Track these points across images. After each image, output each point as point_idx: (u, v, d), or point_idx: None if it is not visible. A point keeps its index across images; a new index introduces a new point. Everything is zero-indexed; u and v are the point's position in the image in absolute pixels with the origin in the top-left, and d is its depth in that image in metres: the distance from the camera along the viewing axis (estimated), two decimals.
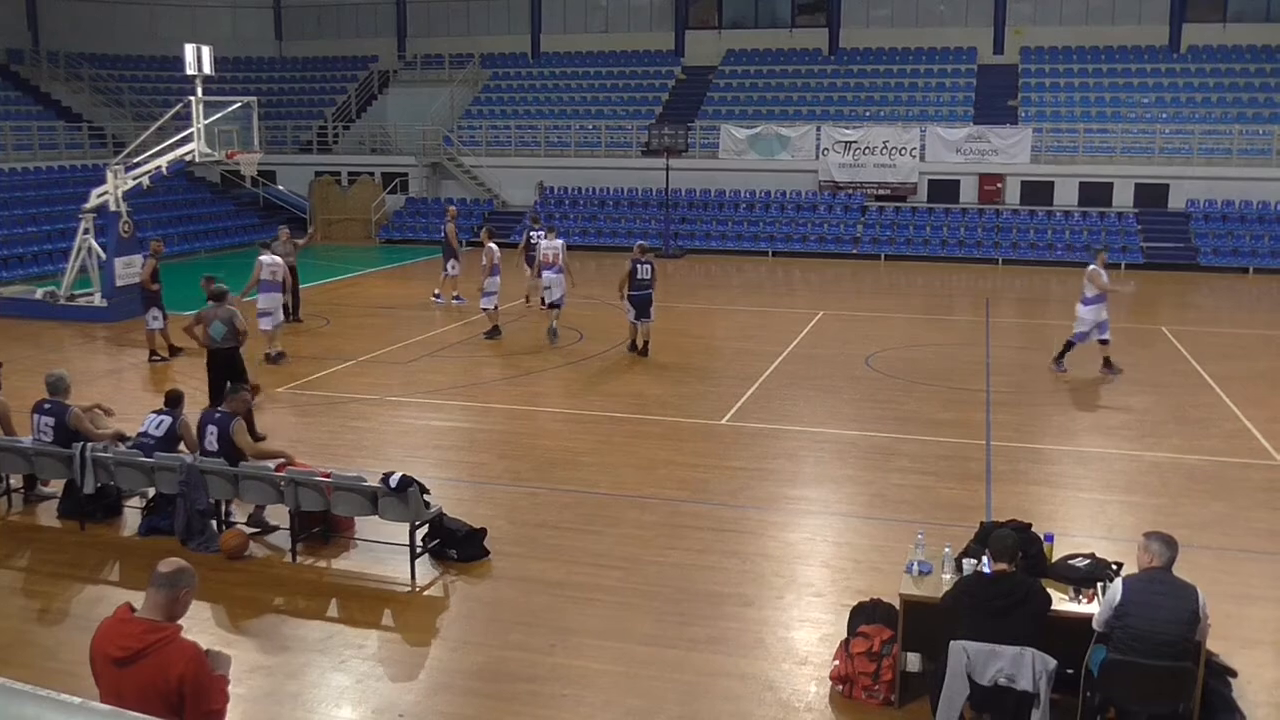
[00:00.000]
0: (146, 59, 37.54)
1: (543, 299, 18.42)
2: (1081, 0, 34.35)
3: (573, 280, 18.59)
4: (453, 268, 21.24)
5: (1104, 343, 15.44)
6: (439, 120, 35.18)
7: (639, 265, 16.42)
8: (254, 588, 8.55)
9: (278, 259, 16.35)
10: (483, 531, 9.18)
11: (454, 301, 21.21)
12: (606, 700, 6.82)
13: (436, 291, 21.62)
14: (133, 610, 4.50)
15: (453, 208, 23.99)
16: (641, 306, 16.46)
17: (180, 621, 4.55)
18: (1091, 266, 15.41)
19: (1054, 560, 6.93)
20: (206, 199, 33.20)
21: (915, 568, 6.92)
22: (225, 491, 9.41)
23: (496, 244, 18.57)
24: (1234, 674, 6.69)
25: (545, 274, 18.05)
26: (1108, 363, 15.47)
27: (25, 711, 2.28)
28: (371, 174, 34.53)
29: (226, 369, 12.52)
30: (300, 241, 20.45)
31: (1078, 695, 6.30)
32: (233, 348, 12.66)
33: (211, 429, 9.48)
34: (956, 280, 26.09)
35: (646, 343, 16.66)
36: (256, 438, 10.82)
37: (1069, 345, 15.54)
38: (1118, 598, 6.00)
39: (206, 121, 19.92)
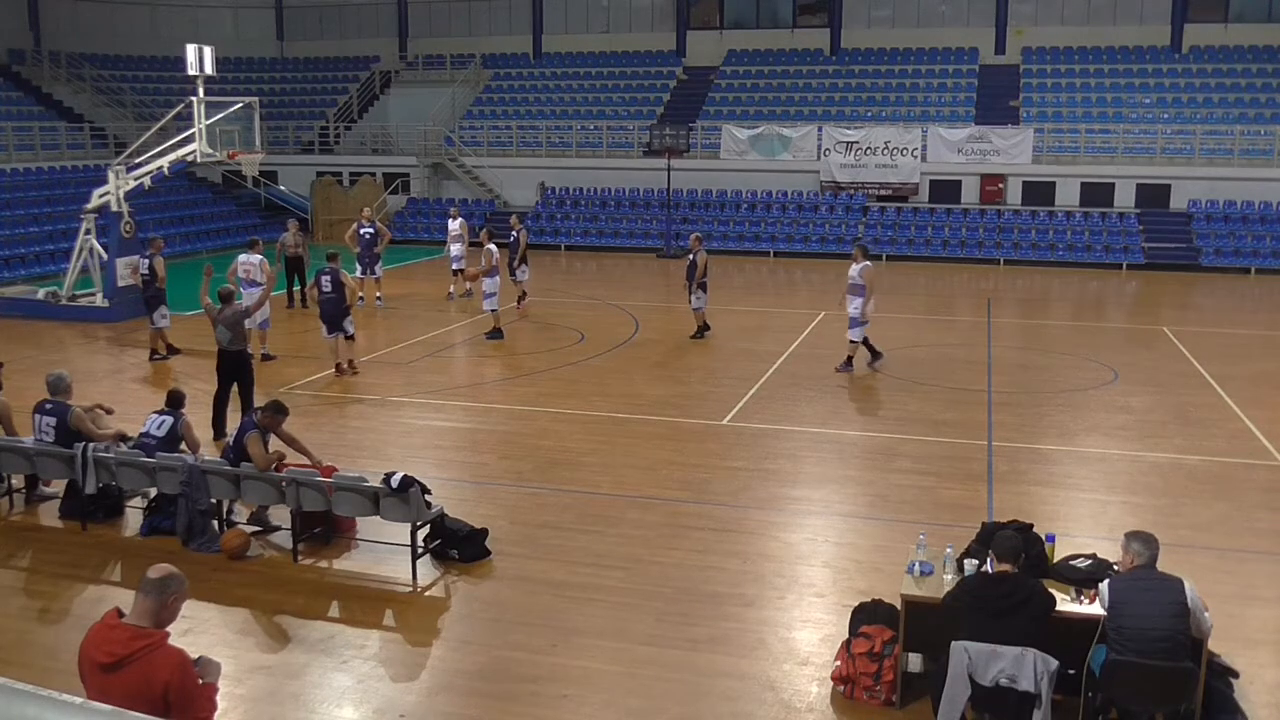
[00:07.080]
0: (148, 59, 37.56)
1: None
2: (1083, 0, 34.33)
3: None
4: (522, 272, 21.08)
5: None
6: (440, 120, 35.19)
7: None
8: (255, 588, 8.55)
9: (254, 257, 16.61)
10: (484, 532, 9.18)
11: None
12: (607, 700, 6.82)
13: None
14: (121, 615, 4.47)
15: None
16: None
17: (175, 624, 4.54)
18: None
19: (1056, 561, 6.93)
20: (208, 199, 33.22)
21: (917, 568, 6.92)
22: (227, 492, 9.43)
23: (496, 244, 18.65)
24: (1236, 674, 6.70)
25: (454, 247, 22.01)
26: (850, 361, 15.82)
27: (26, 711, 2.28)
28: (373, 174, 34.53)
29: (234, 371, 12.59)
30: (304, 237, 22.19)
31: (1079, 696, 6.30)
32: (240, 350, 12.69)
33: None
34: (958, 280, 26.07)
35: (698, 327, 18.19)
36: None
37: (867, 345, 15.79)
38: (1106, 601, 6.08)
39: (208, 122, 19.93)
